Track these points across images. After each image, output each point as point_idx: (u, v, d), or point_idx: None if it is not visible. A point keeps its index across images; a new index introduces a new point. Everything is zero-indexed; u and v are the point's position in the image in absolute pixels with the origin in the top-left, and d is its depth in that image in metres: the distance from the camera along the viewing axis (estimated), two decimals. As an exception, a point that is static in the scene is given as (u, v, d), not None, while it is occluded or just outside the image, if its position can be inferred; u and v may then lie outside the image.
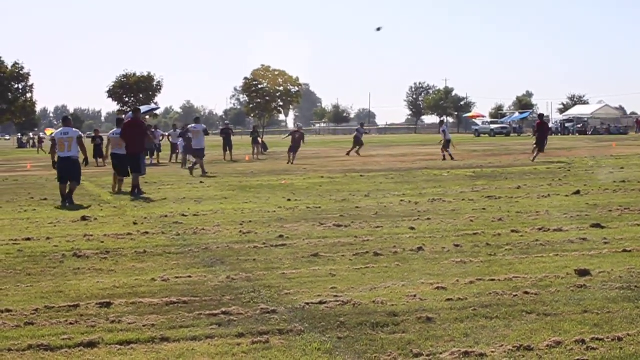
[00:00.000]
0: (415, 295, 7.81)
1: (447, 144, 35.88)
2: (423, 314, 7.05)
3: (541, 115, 37.87)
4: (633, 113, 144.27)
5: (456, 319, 6.94)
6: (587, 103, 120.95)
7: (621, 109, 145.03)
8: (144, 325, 6.96)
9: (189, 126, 34.14)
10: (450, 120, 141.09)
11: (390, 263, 9.74)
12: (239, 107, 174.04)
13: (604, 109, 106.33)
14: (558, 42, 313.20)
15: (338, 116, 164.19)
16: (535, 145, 33.18)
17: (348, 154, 42.74)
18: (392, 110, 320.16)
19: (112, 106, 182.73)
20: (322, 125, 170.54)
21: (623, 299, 7.51)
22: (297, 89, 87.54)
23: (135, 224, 14.16)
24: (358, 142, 43.58)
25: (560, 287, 8.07)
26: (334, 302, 7.61)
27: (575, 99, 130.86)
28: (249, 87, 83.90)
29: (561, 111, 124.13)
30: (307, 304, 7.60)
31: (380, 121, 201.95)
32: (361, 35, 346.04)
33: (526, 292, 7.82)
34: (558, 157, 35.26)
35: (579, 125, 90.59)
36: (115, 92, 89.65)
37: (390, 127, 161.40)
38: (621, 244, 10.61)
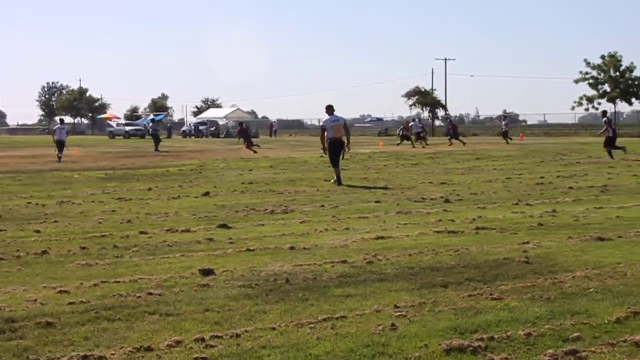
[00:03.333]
0: (36, 300, 7.55)
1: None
2: (43, 319, 6.82)
3: (241, 123, 47.46)
4: (264, 117, 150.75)
5: (77, 322, 6.79)
6: (221, 106, 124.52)
7: (253, 112, 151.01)
8: None
9: None
10: (85, 121, 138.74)
11: (12, 267, 9.36)
12: None
13: (236, 113, 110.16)
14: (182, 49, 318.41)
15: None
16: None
17: None
18: (24, 111, 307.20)
19: None
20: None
21: (244, 297, 7.74)
22: None
23: None
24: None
25: (184, 286, 8.19)
26: (-53, 311, 7.16)
27: (209, 102, 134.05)
28: None
29: (195, 114, 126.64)
30: None
31: (12, 121, 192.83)
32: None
33: (150, 293, 7.83)
34: (190, 159, 35.88)
35: (212, 128, 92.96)
36: None
37: (22, 127, 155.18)
38: (245, 244, 10.98)
